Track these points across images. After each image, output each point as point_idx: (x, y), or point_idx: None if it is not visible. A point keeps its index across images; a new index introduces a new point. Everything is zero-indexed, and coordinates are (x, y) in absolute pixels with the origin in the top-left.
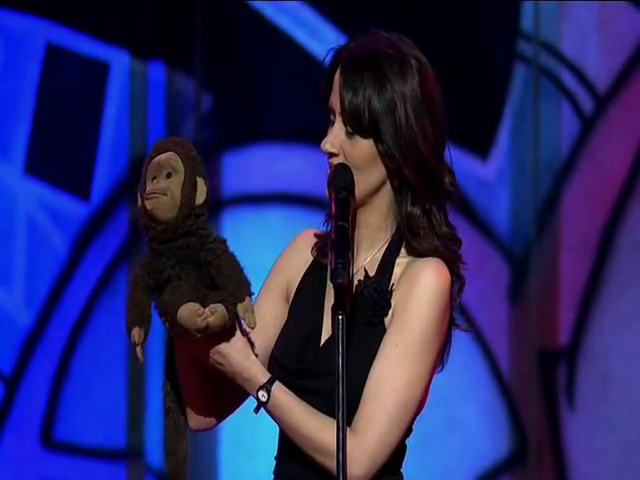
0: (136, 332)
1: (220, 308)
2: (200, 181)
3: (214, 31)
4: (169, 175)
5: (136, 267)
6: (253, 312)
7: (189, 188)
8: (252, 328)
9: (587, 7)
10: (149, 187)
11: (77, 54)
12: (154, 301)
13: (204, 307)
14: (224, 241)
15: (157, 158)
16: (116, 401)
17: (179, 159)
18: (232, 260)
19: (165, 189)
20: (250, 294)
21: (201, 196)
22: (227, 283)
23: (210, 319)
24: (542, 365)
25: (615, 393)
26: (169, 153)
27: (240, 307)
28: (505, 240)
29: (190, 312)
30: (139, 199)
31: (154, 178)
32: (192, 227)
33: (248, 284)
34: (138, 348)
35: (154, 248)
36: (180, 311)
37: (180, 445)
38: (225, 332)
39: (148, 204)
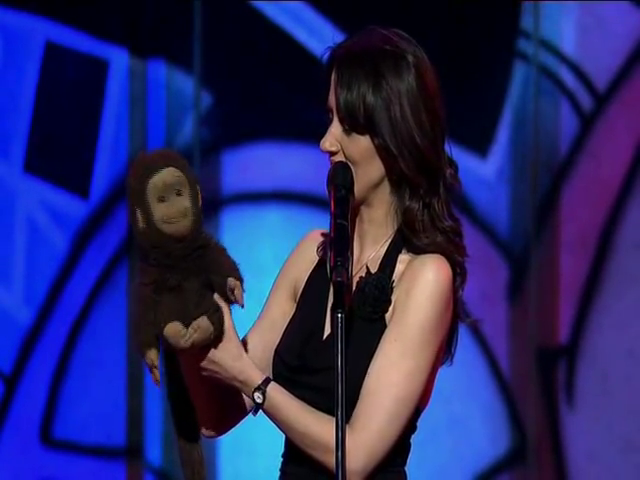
0: (153, 355)
1: (204, 323)
2: (198, 189)
3: (214, 29)
4: (179, 193)
5: (139, 285)
6: (241, 288)
7: (197, 200)
8: (240, 304)
9: (587, 6)
10: (164, 211)
11: (77, 52)
12: None
13: (192, 318)
14: (215, 241)
15: (158, 177)
16: (115, 399)
17: (181, 173)
18: (222, 250)
19: (184, 211)
20: (240, 279)
21: (200, 202)
22: (217, 271)
23: (194, 337)
24: (541, 363)
25: (614, 391)
26: (170, 170)
27: (229, 282)
28: (505, 238)
29: (174, 332)
30: (140, 220)
31: (161, 199)
32: (204, 237)
33: (238, 271)
34: (155, 371)
35: (164, 264)
36: (165, 330)
37: (193, 452)
38: (214, 341)
39: (169, 228)
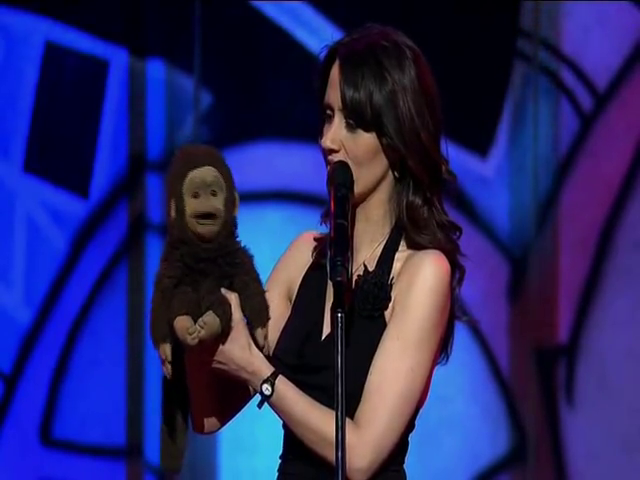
0: (167, 349)
1: (210, 319)
2: (236, 195)
3: (214, 29)
4: (214, 193)
5: (161, 277)
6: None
7: (231, 205)
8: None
9: (586, 5)
10: (195, 207)
11: (76, 52)
12: None
13: (201, 312)
14: (249, 252)
15: (198, 173)
16: (115, 399)
17: (220, 176)
18: (257, 279)
19: (214, 212)
20: (268, 319)
21: (236, 210)
22: (251, 303)
23: (202, 334)
24: (541, 363)
25: (614, 391)
26: (209, 168)
27: (260, 333)
28: (504, 238)
29: (182, 327)
30: (172, 210)
31: (195, 195)
32: (234, 244)
33: (267, 310)
34: (168, 365)
35: (188, 263)
36: (175, 323)
37: (177, 437)
38: (222, 334)
39: (197, 228)
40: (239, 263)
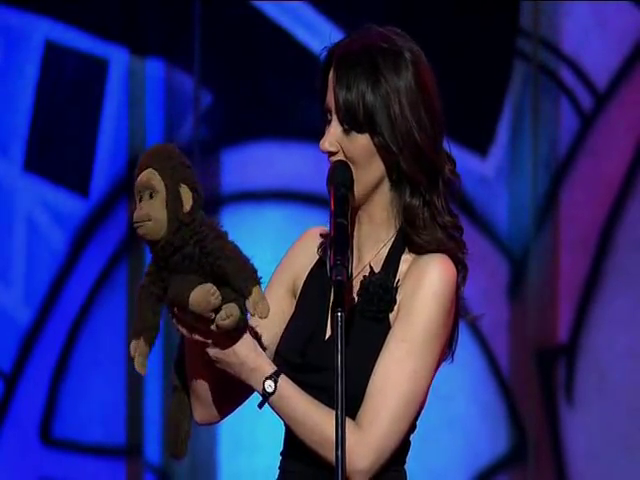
0: (134, 344)
1: (235, 310)
2: (184, 189)
3: (213, 28)
4: (151, 195)
5: (143, 277)
6: (264, 299)
7: (173, 202)
8: (264, 317)
9: (586, 5)
10: (135, 212)
11: (76, 51)
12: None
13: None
14: (223, 235)
15: (139, 178)
16: (115, 398)
17: (157, 175)
18: (234, 257)
19: (148, 215)
20: (258, 283)
21: (187, 203)
22: (233, 282)
23: (226, 322)
24: (541, 362)
25: (613, 390)
26: (147, 171)
27: (248, 303)
28: (504, 237)
29: (203, 292)
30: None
31: (140, 199)
32: (184, 238)
33: (254, 276)
34: (135, 361)
35: (156, 262)
36: (192, 295)
37: (182, 423)
38: (236, 330)
39: (138, 230)
40: (209, 252)
